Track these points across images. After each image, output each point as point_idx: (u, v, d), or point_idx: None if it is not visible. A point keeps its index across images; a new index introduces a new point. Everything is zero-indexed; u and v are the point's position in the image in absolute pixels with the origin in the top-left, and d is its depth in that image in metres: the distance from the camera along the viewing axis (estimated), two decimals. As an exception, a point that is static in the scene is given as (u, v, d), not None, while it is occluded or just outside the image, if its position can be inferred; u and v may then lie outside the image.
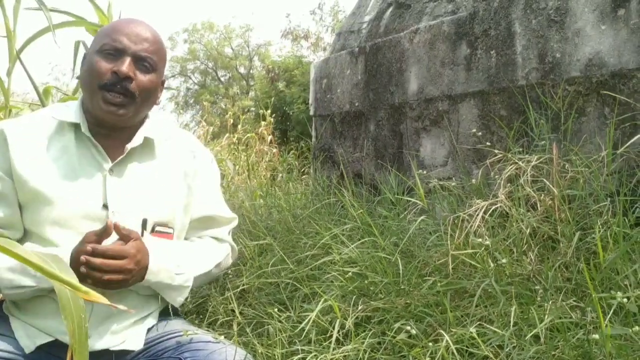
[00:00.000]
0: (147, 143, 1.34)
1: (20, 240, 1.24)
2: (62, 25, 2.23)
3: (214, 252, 1.41)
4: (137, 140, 1.32)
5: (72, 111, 1.31)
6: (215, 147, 5.72)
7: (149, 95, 1.31)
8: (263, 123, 6.14)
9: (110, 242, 1.17)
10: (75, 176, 1.24)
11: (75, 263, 1.11)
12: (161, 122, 1.43)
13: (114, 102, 1.25)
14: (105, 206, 1.23)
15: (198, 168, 1.42)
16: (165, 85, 1.44)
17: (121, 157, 1.28)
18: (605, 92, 1.51)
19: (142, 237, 1.25)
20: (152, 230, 1.29)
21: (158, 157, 1.36)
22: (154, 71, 1.30)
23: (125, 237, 1.18)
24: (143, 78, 1.28)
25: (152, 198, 1.29)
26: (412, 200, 1.62)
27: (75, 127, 1.29)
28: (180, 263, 1.29)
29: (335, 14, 15.67)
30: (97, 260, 1.12)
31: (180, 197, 1.36)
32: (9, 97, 2.38)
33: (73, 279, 0.66)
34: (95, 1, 2.36)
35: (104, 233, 1.14)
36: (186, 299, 1.32)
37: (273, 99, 7.71)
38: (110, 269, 1.14)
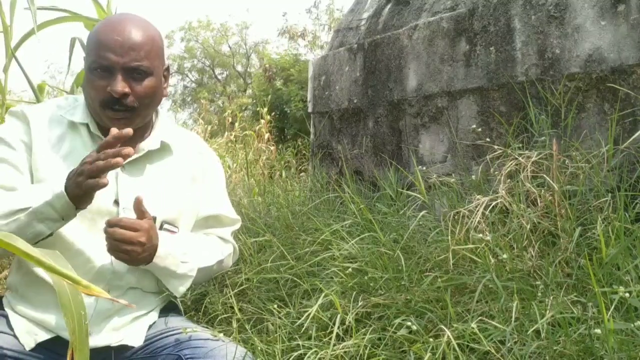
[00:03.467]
0: (161, 145, 1.35)
1: None
2: (58, 21, 2.21)
3: (217, 249, 1.42)
4: (154, 144, 1.32)
5: (78, 112, 1.30)
6: (213, 145, 5.70)
7: (151, 100, 1.29)
8: (262, 121, 6.13)
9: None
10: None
11: (87, 164, 1.09)
12: (170, 122, 1.44)
13: (117, 117, 1.24)
14: (116, 202, 1.25)
15: (206, 168, 1.43)
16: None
17: (136, 156, 1.28)
18: (609, 84, 1.51)
19: None
20: (160, 228, 1.29)
21: (169, 157, 1.36)
22: (150, 75, 1.26)
23: (142, 213, 1.19)
24: (140, 87, 1.24)
25: (162, 196, 1.30)
26: (413, 194, 1.62)
27: (87, 125, 1.29)
28: (186, 252, 1.30)
29: (331, 12, 15.63)
30: (111, 229, 1.15)
31: (188, 197, 1.37)
32: (5, 94, 2.36)
33: (73, 273, 0.66)
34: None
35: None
36: (188, 289, 1.33)
37: (270, 96, 7.70)
38: (123, 238, 1.15)
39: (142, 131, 1.33)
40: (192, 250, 1.32)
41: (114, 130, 1.10)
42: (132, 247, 1.16)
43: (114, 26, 1.25)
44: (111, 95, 1.21)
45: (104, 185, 1.08)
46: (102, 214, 1.22)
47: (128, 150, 1.07)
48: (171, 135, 1.37)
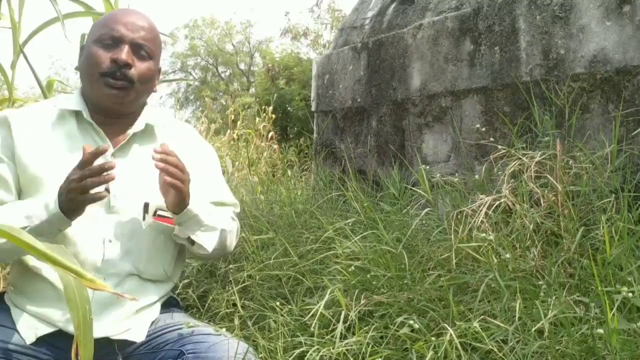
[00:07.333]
0: (148, 129, 1.38)
1: None
2: (70, 15, 2.21)
3: (228, 220, 1.44)
4: (139, 126, 1.35)
5: (72, 100, 1.33)
6: (216, 143, 5.70)
7: (147, 82, 1.34)
8: (258, 119, 6.11)
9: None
10: (78, 161, 1.25)
11: (75, 182, 1.12)
12: (161, 111, 1.47)
13: (115, 86, 1.28)
14: (107, 190, 1.24)
15: (201, 155, 1.45)
16: (168, 78, 1.46)
17: (124, 141, 1.31)
18: (620, 78, 1.51)
19: (144, 221, 1.27)
20: (154, 214, 1.30)
21: (159, 143, 1.36)
22: (151, 59, 1.34)
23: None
24: (141, 65, 1.31)
25: (153, 183, 1.29)
26: (418, 191, 1.62)
27: (77, 114, 1.32)
28: (209, 209, 1.35)
29: (332, 11, 15.60)
30: (161, 156, 1.20)
31: None
32: (13, 90, 2.36)
33: (78, 267, 0.66)
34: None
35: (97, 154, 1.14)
36: (214, 248, 1.33)
37: (274, 95, 7.70)
38: (178, 166, 1.22)
39: (130, 120, 1.36)
40: (212, 210, 1.37)
41: (89, 148, 1.14)
42: (184, 175, 1.22)
43: (128, 10, 1.38)
44: (114, 64, 1.27)
45: (104, 197, 1.15)
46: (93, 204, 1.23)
47: (110, 164, 1.13)
48: (159, 119, 1.41)
